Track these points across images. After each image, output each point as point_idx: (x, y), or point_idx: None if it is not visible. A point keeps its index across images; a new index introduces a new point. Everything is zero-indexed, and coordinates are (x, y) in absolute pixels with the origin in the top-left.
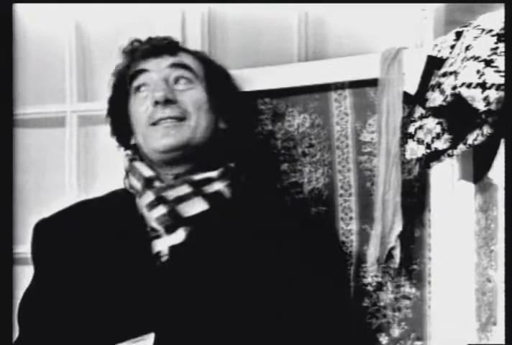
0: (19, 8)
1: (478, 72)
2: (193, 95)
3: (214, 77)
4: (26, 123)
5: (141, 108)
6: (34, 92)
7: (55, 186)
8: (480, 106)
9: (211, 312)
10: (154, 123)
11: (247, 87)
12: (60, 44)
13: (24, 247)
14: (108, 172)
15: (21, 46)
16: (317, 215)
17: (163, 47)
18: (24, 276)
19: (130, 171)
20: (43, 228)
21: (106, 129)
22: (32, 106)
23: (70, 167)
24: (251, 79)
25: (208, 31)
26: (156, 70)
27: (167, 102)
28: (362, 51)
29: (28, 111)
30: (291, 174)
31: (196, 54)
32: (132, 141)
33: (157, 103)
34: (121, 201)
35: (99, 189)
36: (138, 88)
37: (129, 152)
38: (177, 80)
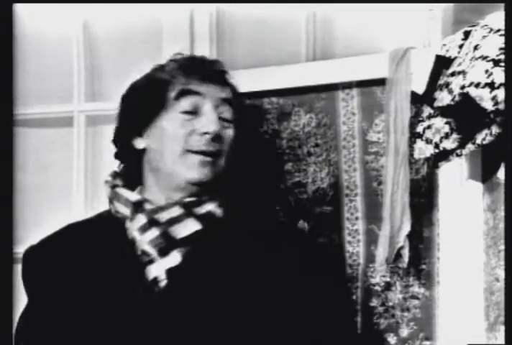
0: (18, 8)
1: (486, 71)
2: (229, 135)
3: (244, 116)
4: (33, 123)
5: (180, 129)
6: (41, 92)
7: (62, 186)
8: (488, 105)
9: (219, 330)
10: (192, 151)
11: (255, 86)
12: (68, 43)
13: (24, 247)
14: None
15: (23, 46)
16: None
17: (216, 74)
18: None
19: (113, 198)
20: (32, 256)
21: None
22: (39, 106)
23: (77, 167)
24: (258, 78)
25: (216, 31)
26: (210, 98)
27: (216, 138)
28: (369, 51)
29: (35, 110)
30: (295, 173)
31: (232, 88)
32: (139, 145)
33: (206, 133)
34: (109, 225)
35: None
36: (184, 108)
37: (109, 178)
38: (221, 115)
